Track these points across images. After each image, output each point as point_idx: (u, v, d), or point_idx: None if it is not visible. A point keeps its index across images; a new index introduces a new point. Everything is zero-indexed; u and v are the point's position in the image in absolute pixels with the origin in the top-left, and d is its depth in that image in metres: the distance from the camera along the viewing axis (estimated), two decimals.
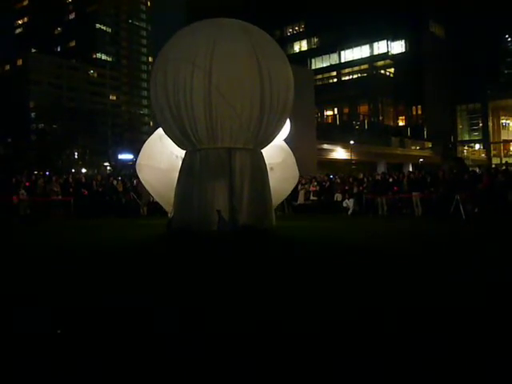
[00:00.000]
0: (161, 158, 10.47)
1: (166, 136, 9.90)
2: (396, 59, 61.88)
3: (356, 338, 2.83)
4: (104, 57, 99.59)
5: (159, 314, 3.49)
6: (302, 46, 69.95)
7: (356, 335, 2.88)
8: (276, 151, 11.18)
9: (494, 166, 48.91)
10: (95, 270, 5.50)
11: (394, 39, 62.07)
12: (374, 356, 2.50)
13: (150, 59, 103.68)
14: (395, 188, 16.17)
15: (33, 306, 3.75)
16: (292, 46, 69.37)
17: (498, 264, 5.57)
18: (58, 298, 4.03)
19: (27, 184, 15.97)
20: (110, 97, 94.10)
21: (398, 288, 4.30)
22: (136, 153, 54.31)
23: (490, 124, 66.53)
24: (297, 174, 12.41)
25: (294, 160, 12.12)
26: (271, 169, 9.91)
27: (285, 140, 12.09)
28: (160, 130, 10.61)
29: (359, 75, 63.72)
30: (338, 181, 18.14)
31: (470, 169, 22.38)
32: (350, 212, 16.30)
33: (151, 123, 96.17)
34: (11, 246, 8.24)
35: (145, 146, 11.99)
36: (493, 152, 65.98)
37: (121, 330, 3.08)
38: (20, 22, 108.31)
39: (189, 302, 3.90)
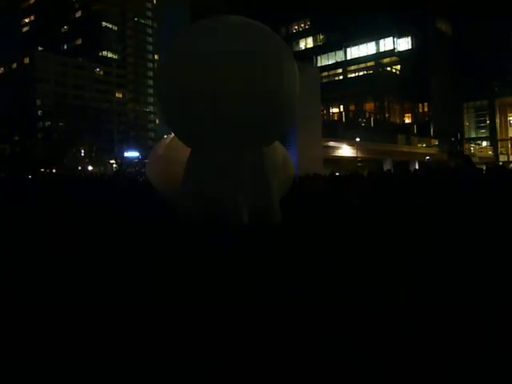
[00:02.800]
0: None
1: None
2: (402, 56, 61.47)
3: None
4: (110, 55, 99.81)
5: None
6: (307, 43, 69.64)
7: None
8: (275, 152, 11.18)
9: (501, 163, 48.63)
10: (99, 261, 5.54)
11: (400, 36, 61.65)
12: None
13: (156, 57, 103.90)
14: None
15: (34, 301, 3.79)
16: (297, 44, 69.13)
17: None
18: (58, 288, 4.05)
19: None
20: (116, 95, 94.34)
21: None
22: (142, 150, 54.29)
23: (498, 121, 66.03)
24: (294, 172, 12.53)
25: (291, 159, 12.20)
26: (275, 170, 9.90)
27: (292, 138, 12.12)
28: None
29: (365, 72, 63.39)
30: None
31: (477, 166, 22.17)
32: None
33: (157, 121, 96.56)
34: (19, 241, 8.30)
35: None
36: (500, 149, 65.50)
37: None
38: (26, 20, 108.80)
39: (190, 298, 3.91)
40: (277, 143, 11.96)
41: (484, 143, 67.38)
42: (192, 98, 8.75)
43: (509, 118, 66.76)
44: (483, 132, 68.16)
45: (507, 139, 65.94)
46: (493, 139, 66.07)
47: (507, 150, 65.33)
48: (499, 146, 65.79)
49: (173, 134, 11.78)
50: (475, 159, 53.11)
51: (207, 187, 9.17)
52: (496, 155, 63.77)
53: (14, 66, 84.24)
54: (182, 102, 8.85)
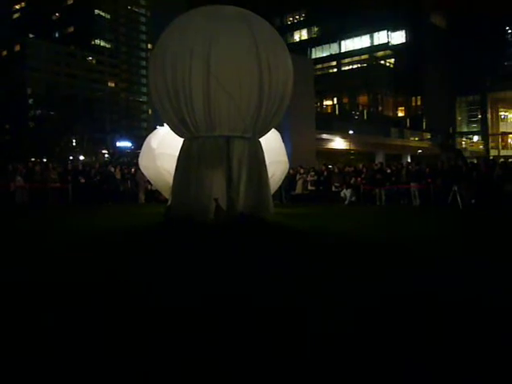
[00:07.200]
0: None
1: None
2: (396, 50, 61.53)
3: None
4: (103, 43, 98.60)
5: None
6: (302, 35, 69.40)
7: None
8: (271, 136, 11.26)
9: (491, 157, 48.98)
10: (90, 256, 5.53)
11: (394, 29, 61.65)
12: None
13: (149, 46, 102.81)
14: (393, 179, 16.23)
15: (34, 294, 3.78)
16: (292, 35, 68.82)
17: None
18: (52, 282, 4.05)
19: (24, 170, 15.94)
20: (109, 84, 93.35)
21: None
22: (134, 140, 53.62)
23: (489, 116, 66.45)
24: (287, 164, 12.69)
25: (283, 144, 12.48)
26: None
27: (285, 130, 12.24)
28: None
29: (359, 65, 63.38)
30: (336, 171, 18.12)
31: (468, 160, 22.41)
32: (346, 202, 16.34)
33: (150, 111, 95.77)
34: (8, 233, 8.25)
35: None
36: (491, 144, 66.04)
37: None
38: (17, 6, 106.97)
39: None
40: (272, 134, 11.96)
41: (475, 137, 67.86)
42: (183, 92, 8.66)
43: (500, 113, 67.24)
44: (475, 126, 68.61)
45: (498, 134, 66.47)
46: (484, 134, 66.58)
47: (498, 145, 65.90)
48: (490, 140, 66.32)
49: (165, 126, 11.75)
50: (466, 153, 53.53)
51: (197, 184, 9.10)
52: (487, 149, 64.32)
53: (5, 53, 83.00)
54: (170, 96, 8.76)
